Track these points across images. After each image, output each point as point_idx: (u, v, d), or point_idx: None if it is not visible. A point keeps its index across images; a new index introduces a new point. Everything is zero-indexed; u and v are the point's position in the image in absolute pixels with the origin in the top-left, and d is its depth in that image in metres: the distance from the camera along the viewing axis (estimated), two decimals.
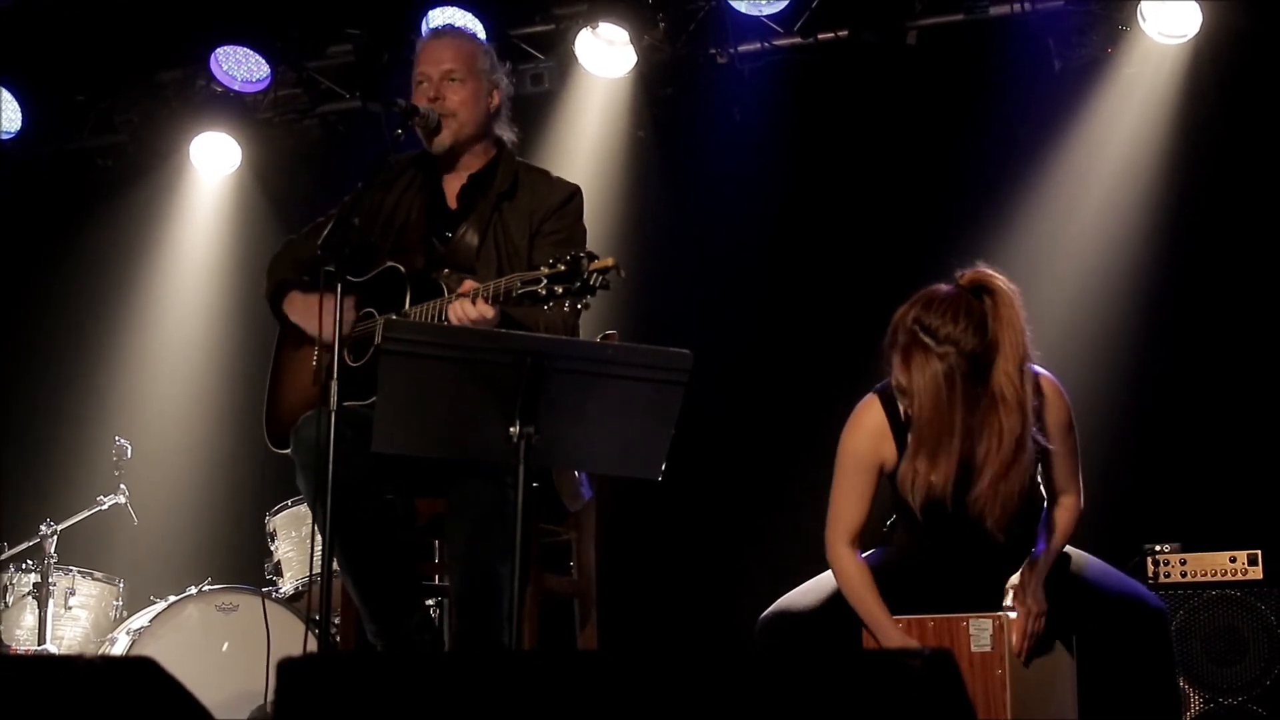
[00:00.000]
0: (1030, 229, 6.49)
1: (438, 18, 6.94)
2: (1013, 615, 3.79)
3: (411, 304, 4.17)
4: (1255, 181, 6.26)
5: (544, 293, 3.71)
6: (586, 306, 3.76)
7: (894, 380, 3.80)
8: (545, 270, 3.72)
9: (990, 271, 3.80)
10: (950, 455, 3.76)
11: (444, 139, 4.41)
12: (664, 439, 3.48)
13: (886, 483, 4.00)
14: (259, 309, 4.67)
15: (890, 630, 3.83)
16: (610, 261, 3.67)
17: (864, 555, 4.02)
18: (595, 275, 3.67)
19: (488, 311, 3.91)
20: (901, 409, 3.85)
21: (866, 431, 3.94)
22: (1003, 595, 3.86)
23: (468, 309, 3.93)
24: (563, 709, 2.04)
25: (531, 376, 3.35)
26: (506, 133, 4.57)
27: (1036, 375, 3.84)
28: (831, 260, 6.86)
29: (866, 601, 3.87)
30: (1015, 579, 3.84)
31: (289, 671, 2.06)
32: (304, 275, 4.42)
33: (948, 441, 3.74)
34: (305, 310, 4.38)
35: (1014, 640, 3.75)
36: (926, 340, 3.69)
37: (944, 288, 3.79)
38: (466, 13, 6.96)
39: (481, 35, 6.92)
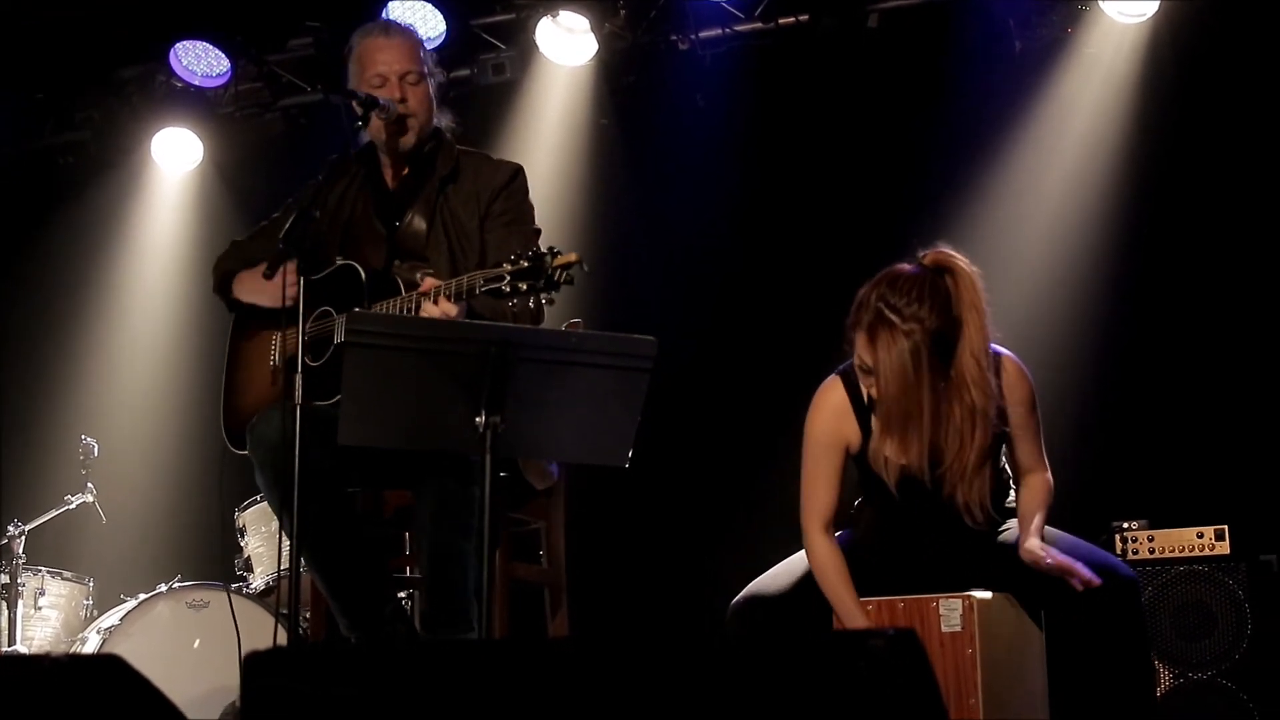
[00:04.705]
0: (993, 209, 6.51)
1: (397, 9, 6.92)
2: (983, 595, 3.79)
3: (370, 303, 4.16)
4: (1216, 159, 6.28)
5: (508, 289, 3.71)
6: (551, 302, 3.75)
7: (857, 360, 3.80)
8: (508, 267, 3.71)
9: (952, 252, 3.81)
10: (921, 434, 3.76)
11: (409, 138, 4.45)
12: (630, 426, 3.48)
13: (853, 464, 4.01)
14: (222, 305, 4.66)
15: (858, 618, 3.83)
16: (574, 257, 3.68)
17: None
18: (559, 271, 3.67)
19: (451, 309, 3.90)
20: (864, 390, 3.85)
21: (829, 413, 3.95)
22: (1017, 567, 3.83)
23: (429, 309, 3.92)
24: (534, 697, 2.04)
25: (496, 366, 3.34)
26: (444, 119, 4.59)
27: (998, 355, 3.85)
28: (797, 244, 6.86)
29: (837, 588, 3.87)
30: (1028, 542, 3.82)
31: (255, 665, 2.06)
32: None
33: (916, 420, 3.75)
34: (254, 284, 4.38)
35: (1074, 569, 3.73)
36: (892, 318, 3.69)
37: (907, 267, 3.79)
38: (427, 3, 6.94)
39: (443, 26, 6.94)
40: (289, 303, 4.00)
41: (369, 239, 4.41)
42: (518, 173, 4.49)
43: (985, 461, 3.82)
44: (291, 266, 3.94)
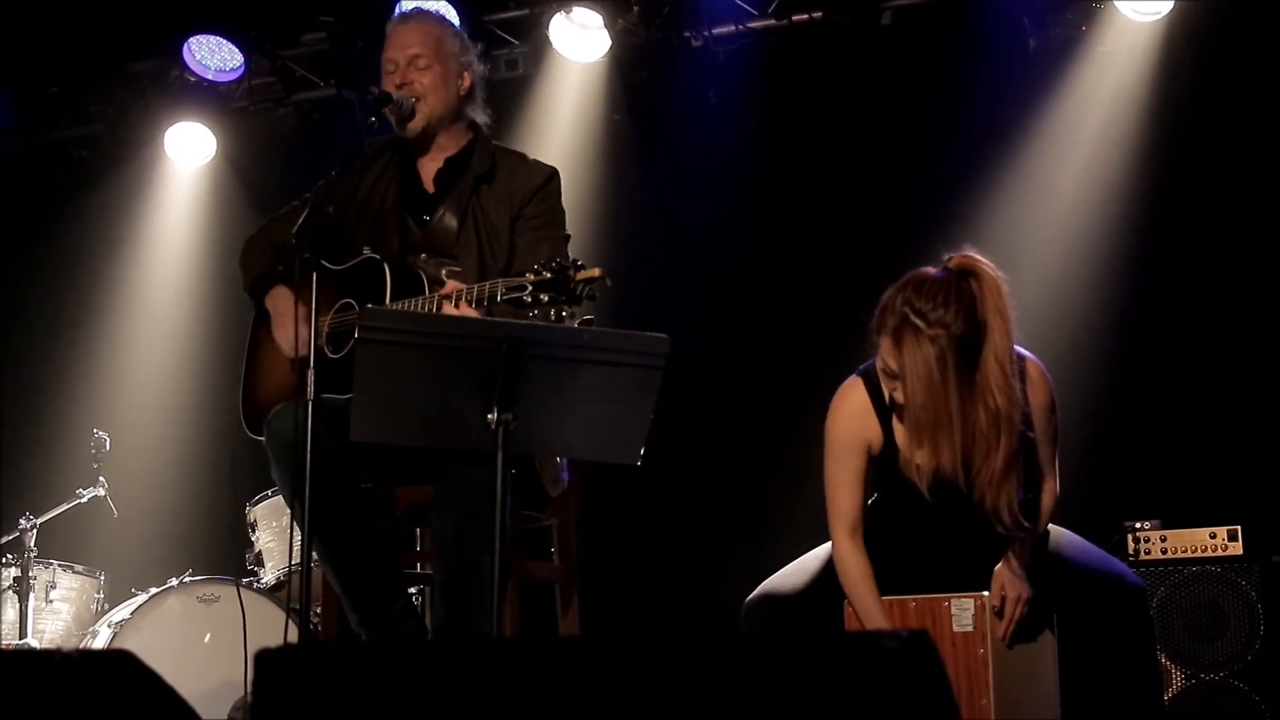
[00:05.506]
0: (1006, 208, 6.50)
1: (411, 4, 6.90)
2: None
3: (392, 299, 4.14)
4: (1231, 157, 6.27)
5: (529, 299, 3.67)
6: (573, 315, 3.73)
7: (881, 363, 3.78)
8: (530, 277, 3.68)
9: (977, 256, 3.78)
10: (952, 439, 3.73)
11: (416, 124, 4.38)
12: (643, 423, 3.47)
13: (875, 466, 3.99)
14: (236, 298, 4.64)
15: (880, 625, 3.81)
16: (597, 272, 3.64)
17: None
18: (581, 285, 3.64)
19: (471, 314, 3.89)
20: (886, 392, 3.83)
21: (850, 414, 3.92)
22: (991, 582, 3.84)
23: (450, 311, 3.90)
24: (544, 695, 2.04)
25: (509, 363, 3.34)
26: (480, 115, 4.54)
27: (1022, 358, 3.83)
28: (810, 241, 6.86)
29: (863, 597, 3.85)
30: (999, 566, 3.83)
31: (266, 662, 2.06)
32: (279, 265, 4.39)
33: (946, 425, 3.71)
34: (280, 315, 4.35)
35: (1000, 626, 3.75)
36: (917, 322, 3.67)
37: (932, 271, 3.76)
38: None
39: (455, 20, 6.91)
40: (302, 351, 3.98)
41: (397, 232, 4.37)
42: (553, 176, 4.42)
43: (1013, 467, 3.77)
44: (305, 313, 3.92)
